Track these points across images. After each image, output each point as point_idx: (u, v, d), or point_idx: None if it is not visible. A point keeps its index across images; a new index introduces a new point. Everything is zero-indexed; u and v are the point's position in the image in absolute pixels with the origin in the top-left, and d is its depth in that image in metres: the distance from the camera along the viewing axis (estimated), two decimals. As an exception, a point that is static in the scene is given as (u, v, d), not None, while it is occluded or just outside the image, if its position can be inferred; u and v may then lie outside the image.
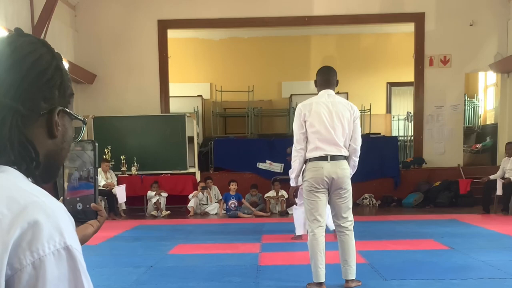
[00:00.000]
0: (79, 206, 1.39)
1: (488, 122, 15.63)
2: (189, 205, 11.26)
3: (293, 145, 4.86)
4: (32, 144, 1.05)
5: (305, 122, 4.80)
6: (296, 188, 5.12)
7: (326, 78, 4.95)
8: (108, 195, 10.92)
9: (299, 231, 7.38)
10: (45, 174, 1.10)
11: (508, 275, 5.30)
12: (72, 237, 0.98)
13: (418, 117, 13.23)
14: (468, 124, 15.57)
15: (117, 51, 12.86)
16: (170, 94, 13.43)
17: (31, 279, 0.91)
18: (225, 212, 11.14)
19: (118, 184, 11.27)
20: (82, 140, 1.36)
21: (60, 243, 0.94)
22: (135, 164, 11.98)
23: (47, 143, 1.09)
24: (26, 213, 0.93)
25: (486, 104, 15.91)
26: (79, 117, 1.19)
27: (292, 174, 4.93)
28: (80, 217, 1.38)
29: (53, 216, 0.96)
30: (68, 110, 1.13)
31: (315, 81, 5.02)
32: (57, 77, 1.10)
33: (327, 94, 4.88)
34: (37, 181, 1.07)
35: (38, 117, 1.06)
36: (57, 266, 0.93)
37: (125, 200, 11.13)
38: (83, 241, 1.33)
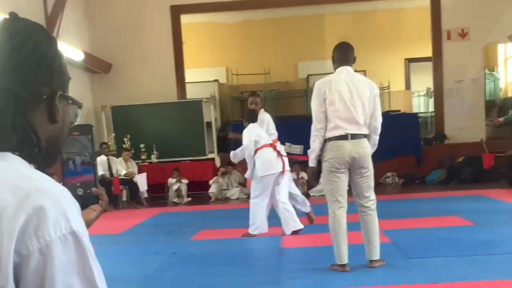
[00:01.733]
0: (80, 191, 1.37)
1: (509, 95, 15.34)
2: (210, 191, 11.26)
3: (313, 124, 4.75)
4: (34, 130, 1.04)
5: (324, 100, 4.69)
6: (316, 169, 4.99)
7: (344, 54, 4.83)
8: (129, 184, 10.97)
9: (253, 228, 6.67)
10: (46, 160, 1.09)
11: (536, 250, 5.20)
12: (78, 222, 0.97)
13: (438, 93, 13.02)
14: (489, 97, 15.27)
15: (132, 39, 12.81)
16: (186, 80, 13.38)
17: (39, 266, 0.90)
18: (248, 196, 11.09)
19: (138, 172, 11.30)
20: (79, 125, 1.33)
21: (66, 228, 0.93)
22: (154, 152, 11.98)
23: (48, 128, 1.08)
24: (31, 199, 0.92)
25: (507, 76, 15.61)
26: (75, 101, 1.17)
27: (312, 154, 4.80)
28: (81, 203, 1.34)
29: (58, 201, 0.95)
30: (66, 95, 1.12)
31: (333, 58, 4.90)
32: (56, 61, 1.09)
33: (346, 71, 4.77)
34: (39, 166, 1.06)
35: (39, 102, 1.05)
36: (64, 251, 0.92)
37: (146, 188, 11.18)
38: (86, 226, 1.30)
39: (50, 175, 1.02)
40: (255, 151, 6.54)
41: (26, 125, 1.02)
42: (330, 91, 4.67)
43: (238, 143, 7.08)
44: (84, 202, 1.38)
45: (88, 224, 1.36)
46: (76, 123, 1.23)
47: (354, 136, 4.64)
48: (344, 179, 4.71)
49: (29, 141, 1.03)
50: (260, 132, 6.64)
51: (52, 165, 1.13)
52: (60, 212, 0.94)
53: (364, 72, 13.69)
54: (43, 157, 1.07)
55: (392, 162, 12.26)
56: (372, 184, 4.79)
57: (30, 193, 0.93)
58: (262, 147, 6.58)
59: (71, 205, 0.98)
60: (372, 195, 4.79)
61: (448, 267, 4.70)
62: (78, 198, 1.34)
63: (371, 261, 4.78)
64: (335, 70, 4.84)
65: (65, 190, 1.00)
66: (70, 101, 1.13)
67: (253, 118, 6.73)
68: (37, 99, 1.05)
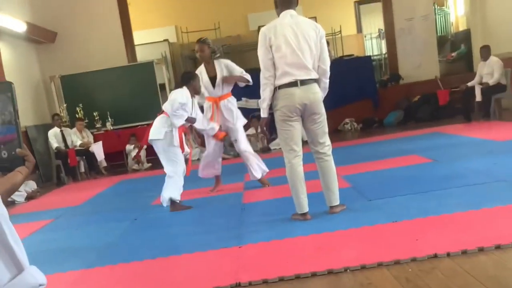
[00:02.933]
0: (4, 153, 1.27)
1: (460, 29, 15.45)
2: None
3: (261, 73, 4.61)
4: None
5: (271, 46, 4.55)
6: (269, 119, 4.86)
7: None
8: (86, 154, 10.75)
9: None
10: None
11: (492, 179, 5.25)
12: None
13: (389, 33, 13.00)
14: (441, 33, 15.37)
15: (75, 5, 12.40)
16: (135, 43, 13.05)
17: None
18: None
19: (94, 142, 11.07)
20: None
21: None
22: (109, 119, 11.74)
23: None
24: None
25: (457, 10, 15.68)
26: None
27: (263, 103, 4.63)
28: (7, 166, 1.29)
29: None
30: None
31: (275, 2, 4.74)
32: None
33: (290, 14, 4.62)
34: None
35: None
36: None
37: (103, 157, 10.98)
38: (13, 189, 1.27)
39: None
40: None
41: None
42: (276, 36, 4.53)
43: None
44: (12, 164, 1.29)
45: (15, 187, 1.29)
46: None
47: (304, 82, 4.53)
48: (297, 127, 4.62)
49: None
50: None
51: None
52: None
53: (315, 18, 13.57)
54: None
55: (349, 108, 12.30)
56: (326, 129, 4.71)
57: None
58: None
59: None
60: (327, 140, 4.72)
61: (407, 205, 4.71)
62: (3, 160, 1.28)
63: (331, 207, 4.76)
64: (278, 15, 4.70)
65: None
66: None
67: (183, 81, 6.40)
68: None
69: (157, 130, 6.03)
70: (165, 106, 6.05)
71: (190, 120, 6.16)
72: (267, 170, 6.80)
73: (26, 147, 1.29)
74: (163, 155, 6.07)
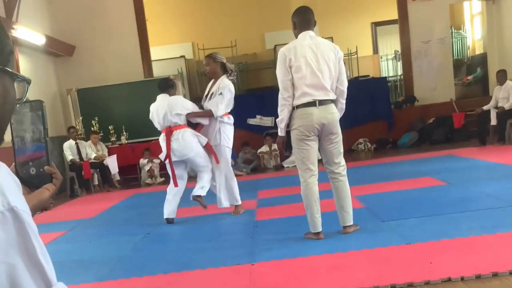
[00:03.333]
0: (32, 170, 1.31)
1: (477, 53, 15.44)
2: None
3: (280, 93, 4.66)
4: None
5: (290, 67, 4.60)
6: (285, 138, 4.90)
7: (306, 18, 4.72)
8: (100, 167, 10.81)
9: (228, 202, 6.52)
10: None
11: (507, 203, 5.21)
12: (17, 197, 0.92)
13: (405, 55, 13.01)
14: (457, 56, 15.37)
15: (93, 19, 12.54)
16: (152, 58, 13.17)
17: None
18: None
19: (109, 155, 11.14)
20: (30, 101, 1.26)
21: (4, 204, 0.88)
22: (124, 133, 11.81)
23: None
24: None
25: (474, 34, 15.68)
26: (22, 76, 1.09)
27: (281, 123, 4.70)
28: (35, 182, 1.31)
29: None
30: (8, 69, 1.03)
31: (294, 23, 4.79)
32: None
33: (309, 36, 4.67)
34: None
35: None
36: (3, 229, 0.87)
37: (117, 170, 11.04)
38: (40, 206, 1.28)
39: None
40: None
41: None
42: (296, 57, 4.57)
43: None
44: (40, 181, 1.31)
45: (42, 204, 1.30)
46: (24, 100, 1.16)
47: (322, 102, 4.57)
48: (314, 147, 4.65)
49: None
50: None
51: None
52: None
53: (331, 39, 13.61)
54: None
55: (364, 128, 12.29)
56: (341, 149, 4.74)
57: None
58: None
59: (9, 180, 0.92)
60: (342, 160, 4.74)
61: (421, 227, 4.70)
62: (32, 177, 1.31)
63: (344, 227, 4.76)
64: (296, 36, 4.74)
65: (2, 165, 0.94)
66: (17, 77, 1.05)
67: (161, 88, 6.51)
68: None
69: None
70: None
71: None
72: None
73: (54, 164, 1.33)
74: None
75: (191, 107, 6.45)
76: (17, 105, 1.18)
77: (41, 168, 1.31)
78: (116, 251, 5.36)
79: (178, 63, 14.99)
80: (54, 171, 1.33)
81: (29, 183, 1.29)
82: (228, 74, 6.40)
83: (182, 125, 6.38)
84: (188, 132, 6.36)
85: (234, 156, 10.84)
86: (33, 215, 1.14)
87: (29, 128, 1.30)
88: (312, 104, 4.56)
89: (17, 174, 1.26)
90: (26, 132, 1.30)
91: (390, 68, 16.08)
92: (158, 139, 11.29)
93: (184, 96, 13.17)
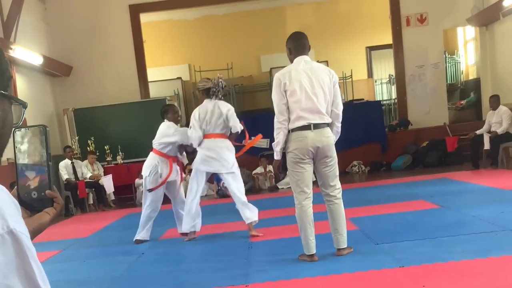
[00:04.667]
0: (34, 194, 1.33)
1: (470, 78, 15.60)
2: (177, 189, 11.15)
3: (275, 117, 4.73)
4: None
5: (285, 91, 4.67)
6: (281, 161, 4.97)
7: (301, 43, 4.82)
8: (95, 186, 10.83)
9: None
10: None
11: (499, 228, 5.27)
12: (16, 220, 0.93)
13: (400, 79, 13.15)
14: (451, 81, 15.52)
15: (91, 40, 12.65)
16: (149, 79, 13.28)
17: None
18: (216, 192, 11.04)
19: (105, 175, 11.16)
20: (33, 126, 1.30)
21: (3, 227, 0.90)
22: (120, 153, 11.85)
23: None
24: None
25: (467, 59, 15.85)
26: (19, 100, 1.13)
27: (277, 146, 4.77)
28: (36, 206, 1.33)
29: None
30: (7, 94, 1.07)
31: (289, 49, 4.88)
32: None
33: (304, 60, 4.75)
34: None
35: None
36: (2, 251, 0.89)
37: (113, 190, 11.06)
38: (40, 230, 1.30)
39: None
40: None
41: None
42: (290, 82, 4.65)
43: None
44: (41, 204, 1.34)
45: (42, 227, 1.32)
46: (20, 123, 1.18)
47: (317, 126, 4.64)
48: (309, 170, 4.71)
49: None
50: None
51: None
52: None
53: (326, 62, 13.78)
54: None
55: (358, 151, 12.36)
56: (337, 172, 4.80)
57: None
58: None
59: (8, 203, 0.94)
60: (337, 183, 4.80)
61: (414, 250, 4.74)
62: (33, 201, 1.33)
63: (338, 249, 4.80)
64: (292, 61, 4.82)
65: (1, 188, 0.96)
66: (13, 101, 1.09)
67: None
68: None
69: None
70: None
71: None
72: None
73: (56, 189, 1.36)
74: None
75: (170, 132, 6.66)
76: (22, 129, 1.22)
77: (43, 192, 1.34)
78: (110, 271, 5.37)
79: (175, 85, 15.07)
80: (55, 195, 1.35)
81: (30, 207, 1.31)
82: (211, 95, 6.37)
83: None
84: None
85: (217, 178, 10.86)
86: (32, 238, 1.17)
87: (32, 153, 1.33)
88: (307, 127, 4.63)
89: (18, 197, 1.28)
90: (29, 156, 1.34)
91: (384, 92, 16.21)
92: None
93: (180, 118, 13.26)
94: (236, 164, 6.35)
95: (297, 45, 4.80)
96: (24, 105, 1.14)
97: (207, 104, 6.29)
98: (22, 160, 1.33)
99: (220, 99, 6.42)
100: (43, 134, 1.33)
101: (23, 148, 1.32)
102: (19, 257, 0.91)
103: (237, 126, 6.26)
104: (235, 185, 6.28)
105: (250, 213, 6.21)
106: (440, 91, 13.11)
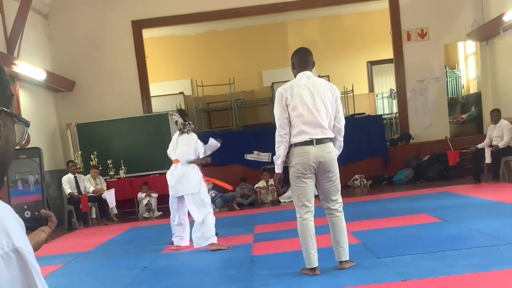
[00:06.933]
0: (27, 214, 1.35)
1: (471, 92, 15.65)
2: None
3: (277, 131, 4.78)
4: None
5: (287, 106, 4.72)
6: (282, 175, 5.01)
7: (304, 59, 4.88)
8: (98, 200, 10.86)
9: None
10: None
11: (502, 241, 5.28)
12: (21, 238, 0.94)
13: (401, 93, 13.20)
14: (452, 95, 15.58)
15: (94, 56, 12.73)
16: (152, 94, 13.34)
17: None
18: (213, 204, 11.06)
19: (107, 189, 11.19)
20: (27, 148, 1.32)
21: (8, 245, 0.91)
22: (122, 167, 11.89)
23: None
24: None
25: (468, 73, 15.91)
26: (22, 119, 1.12)
27: (278, 160, 4.82)
28: (29, 225, 1.34)
29: None
30: (10, 112, 1.06)
31: (292, 64, 4.93)
32: None
33: (306, 76, 4.81)
34: None
35: None
36: (8, 269, 0.90)
37: (115, 204, 11.08)
38: (36, 248, 1.31)
39: None
40: None
41: None
42: (292, 96, 4.70)
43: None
44: (35, 223, 1.36)
45: (38, 245, 1.34)
46: (23, 142, 1.17)
47: (319, 141, 4.68)
48: (310, 184, 4.74)
49: None
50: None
51: None
52: (1, 229, 0.91)
53: (328, 77, 13.89)
54: None
55: (359, 165, 12.39)
56: (339, 187, 4.83)
57: None
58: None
59: (13, 221, 0.95)
60: (339, 198, 4.83)
61: (417, 264, 4.75)
62: (26, 220, 1.35)
63: (340, 262, 4.82)
64: (295, 76, 4.88)
65: (6, 206, 0.96)
66: (16, 119, 1.08)
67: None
68: None
69: None
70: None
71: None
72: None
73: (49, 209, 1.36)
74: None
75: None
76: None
77: (36, 212, 1.36)
78: (113, 285, 5.39)
79: (177, 99, 15.13)
80: (49, 214, 1.37)
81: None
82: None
83: None
84: None
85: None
86: None
87: (26, 173, 1.35)
88: (309, 142, 4.67)
89: None
90: (23, 176, 1.36)
91: (385, 106, 16.27)
92: (156, 174, 11.55)
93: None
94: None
95: (301, 60, 4.87)
96: (27, 123, 1.14)
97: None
98: (15, 180, 1.35)
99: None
100: (37, 156, 1.35)
101: (17, 168, 1.34)
102: (23, 275, 0.92)
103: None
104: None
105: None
106: (441, 105, 13.15)
